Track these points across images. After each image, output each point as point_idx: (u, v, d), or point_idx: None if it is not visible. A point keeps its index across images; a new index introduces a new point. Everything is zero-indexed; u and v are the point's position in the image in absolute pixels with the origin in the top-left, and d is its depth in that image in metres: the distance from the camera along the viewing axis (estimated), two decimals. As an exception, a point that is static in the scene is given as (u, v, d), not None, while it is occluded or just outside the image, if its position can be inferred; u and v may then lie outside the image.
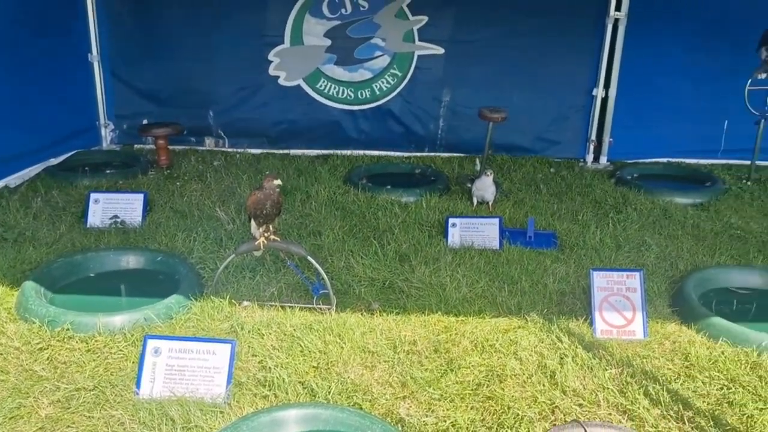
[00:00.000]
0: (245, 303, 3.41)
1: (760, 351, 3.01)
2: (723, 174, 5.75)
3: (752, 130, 5.47)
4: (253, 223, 3.40)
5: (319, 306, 3.40)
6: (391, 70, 5.98)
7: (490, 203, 4.80)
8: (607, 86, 5.87)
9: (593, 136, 6.06)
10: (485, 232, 4.21)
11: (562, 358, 2.97)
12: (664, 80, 5.91)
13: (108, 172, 5.45)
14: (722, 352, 3.03)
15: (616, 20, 5.61)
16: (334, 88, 6.07)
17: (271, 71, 6.02)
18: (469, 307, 3.43)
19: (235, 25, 5.86)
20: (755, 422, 2.59)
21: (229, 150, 6.17)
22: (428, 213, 4.64)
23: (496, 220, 4.25)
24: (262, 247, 3.38)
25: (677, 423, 2.58)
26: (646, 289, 3.45)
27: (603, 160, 6.10)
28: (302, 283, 3.57)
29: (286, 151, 6.16)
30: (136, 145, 6.25)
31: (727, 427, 2.57)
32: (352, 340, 3.07)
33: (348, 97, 6.10)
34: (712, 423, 2.58)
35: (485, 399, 2.69)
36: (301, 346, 3.02)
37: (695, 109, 5.97)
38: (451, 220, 4.27)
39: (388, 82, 6.02)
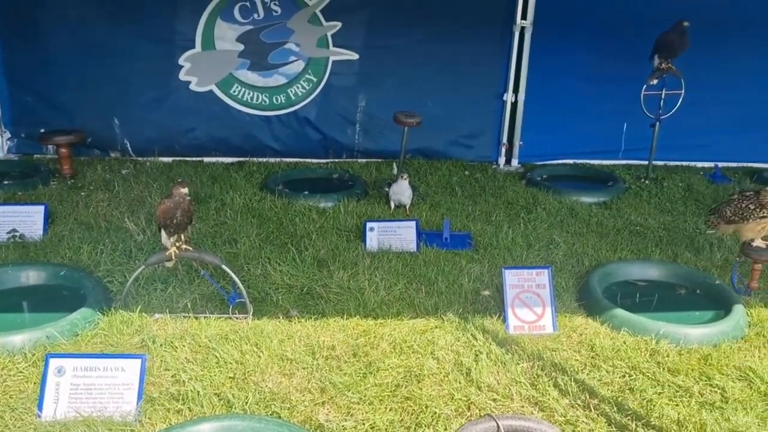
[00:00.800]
0: (157, 316, 3.29)
1: (658, 339, 3.21)
2: (623, 174, 6.09)
3: (649, 133, 5.84)
4: (163, 233, 3.29)
5: (235, 315, 3.33)
6: (306, 76, 5.96)
7: (407, 206, 4.87)
8: (516, 91, 6.10)
9: (505, 140, 6.27)
10: (403, 235, 4.26)
11: (477, 356, 3.06)
12: (568, 85, 6.20)
13: (5, 183, 5.12)
14: (624, 342, 3.21)
15: (523, 28, 5.84)
16: (249, 94, 5.97)
17: (182, 76, 5.84)
18: (388, 310, 3.47)
19: (143, 28, 5.65)
20: (654, 406, 2.76)
21: (138, 158, 5.93)
22: (346, 218, 4.66)
23: (413, 223, 4.32)
24: (173, 257, 3.27)
25: (584, 411, 2.71)
26: (555, 284, 3.61)
27: (514, 162, 6.32)
28: (217, 293, 3.49)
29: (199, 159, 5.99)
30: (36, 155, 5.90)
31: (629, 412, 2.72)
32: (270, 349, 3.03)
33: (263, 103, 6.02)
34: (615, 409, 2.73)
35: (403, 399, 2.72)
36: (216, 357, 2.95)
37: (598, 112, 6.29)
38: (369, 225, 4.30)
39: (303, 88, 5.99)
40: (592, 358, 3.10)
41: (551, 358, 3.07)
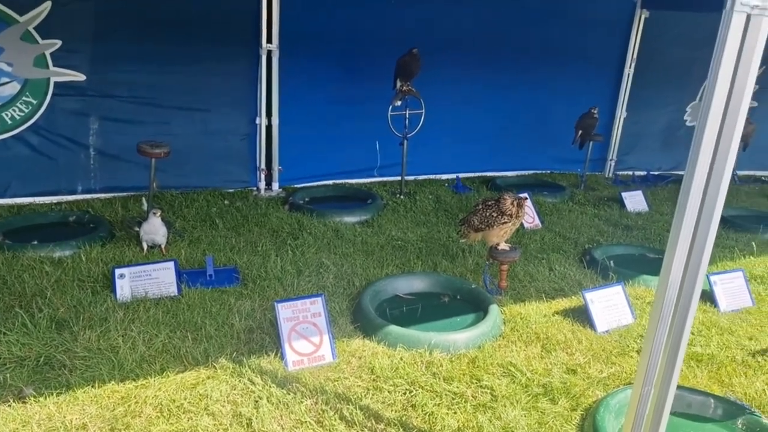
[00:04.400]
0: None
1: (431, 349, 3.31)
2: (380, 191, 6.36)
3: (399, 150, 6.18)
4: None
5: (-57, 410, 2.61)
6: (24, 98, 5.09)
7: (163, 246, 4.41)
8: (270, 115, 5.99)
9: (263, 165, 6.11)
10: (160, 279, 3.82)
11: (257, 402, 2.82)
12: (321, 107, 6.29)
13: None
14: (401, 358, 3.24)
15: (270, 51, 5.76)
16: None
17: None
18: (150, 368, 3.04)
19: None
20: (436, 418, 2.81)
21: None
22: (89, 267, 4.04)
23: (171, 264, 3.90)
24: None
25: (373, 439, 2.64)
26: (330, 310, 3.53)
27: (275, 186, 6.20)
28: None
29: None
30: None
31: (414, 430, 2.73)
32: (-3, 445, 2.42)
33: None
34: (401, 429, 2.71)
35: (177, 472, 2.37)
36: None
37: (352, 132, 6.49)
38: (118, 271, 3.77)
39: (21, 111, 5.10)
40: (374, 380, 3.07)
41: (334, 389, 2.96)
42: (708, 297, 4.16)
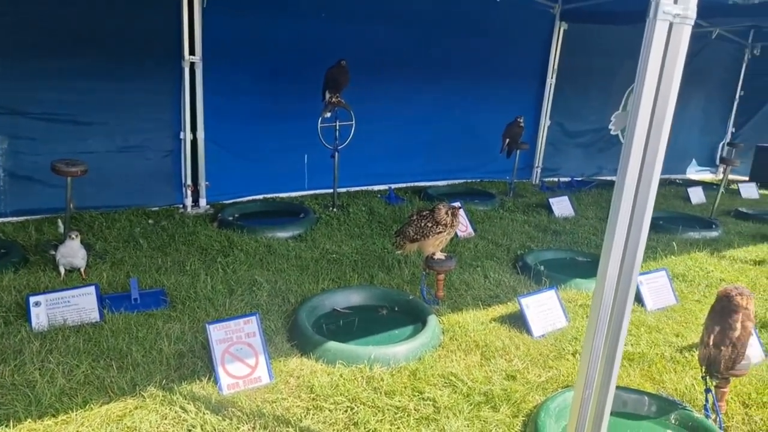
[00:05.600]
0: None
1: (371, 364, 3.24)
2: (312, 204, 6.26)
3: (330, 163, 6.10)
4: None
5: None
6: None
7: (82, 270, 4.15)
8: (195, 129, 5.79)
9: (189, 181, 5.89)
10: (80, 305, 3.58)
11: (190, 430, 2.66)
12: (249, 121, 6.15)
13: None
14: (341, 375, 3.16)
15: (193, 63, 5.57)
16: None
17: None
18: (71, 401, 2.82)
19: None
20: (379, 435, 2.74)
21: None
22: (1, 295, 3.74)
23: (92, 288, 3.66)
24: None
25: (315, 462, 2.54)
26: (265, 329, 3.41)
27: (203, 203, 5.99)
28: None
29: None
30: None
31: (358, 449, 2.65)
32: None
33: None
34: (344, 449, 2.63)
35: None
36: None
37: (281, 146, 6.38)
38: (32, 299, 3.50)
39: None
40: (314, 399, 2.97)
41: (272, 412, 2.84)
42: (636, 297, 4.30)
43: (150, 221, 5.40)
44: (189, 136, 5.78)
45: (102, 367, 3.10)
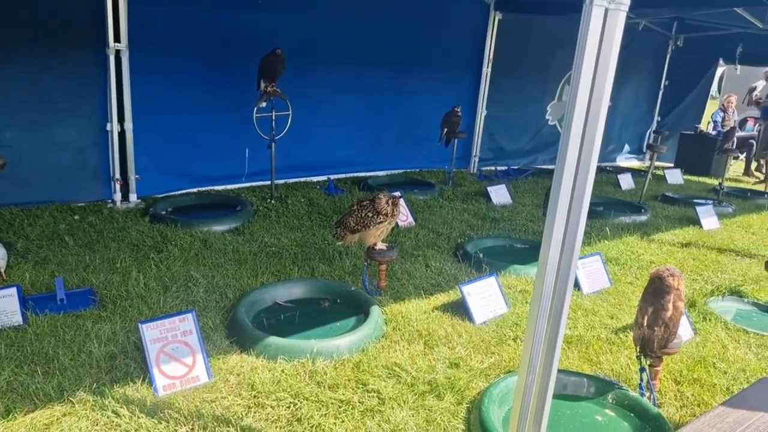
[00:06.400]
0: None
1: (314, 358, 3.18)
2: (250, 197, 6.11)
3: (267, 154, 5.96)
4: None
5: None
6: None
7: (2, 270, 3.89)
8: (122, 120, 5.52)
9: (117, 174, 5.62)
10: (1, 308, 3.35)
11: (124, 436, 2.53)
12: (182, 111, 5.92)
13: None
14: (283, 370, 3.08)
15: (118, 51, 5.30)
16: None
17: None
18: (-9, 411, 2.63)
19: None
20: (323, 429, 2.69)
21: None
22: None
23: (14, 290, 3.42)
24: None
25: (258, 461, 2.47)
26: (202, 326, 3.29)
27: (133, 198, 5.73)
28: None
29: None
30: None
31: (302, 445, 2.59)
32: None
33: None
34: (288, 446, 2.56)
35: None
36: None
37: (218, 137, 6.18)
38: (-55, 303, 3.26)
39: None
40: (255, 397, 2.88)
41: (212, 411, 2.74)
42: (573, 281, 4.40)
43: (76, 217, 5.13)
44: (117, 128, 5.50)
45: (26, 373, 2.91)
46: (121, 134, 5.55)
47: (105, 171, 5.61)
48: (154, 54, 5.55)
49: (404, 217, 5.65)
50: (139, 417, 2.64)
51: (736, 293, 4.70)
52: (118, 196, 5.65)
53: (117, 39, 5.27)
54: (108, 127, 5.48)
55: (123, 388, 2.85)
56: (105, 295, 3.76)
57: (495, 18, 8.04)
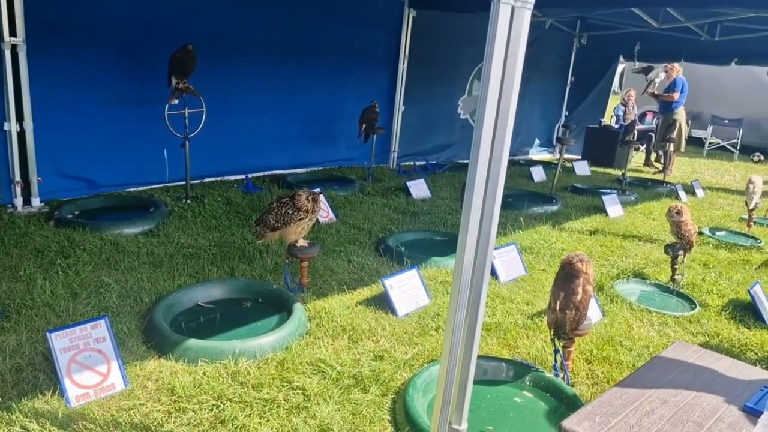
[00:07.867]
0: None
1: (236, 358, 3.12)
2: (164, 197, 5.90)
3: (182, 152, 5.77)
4: None
5: None
6: None
7: None
8: (21, 120, 5.18)
9: (18, 177, 5.28)
10: None
11: (33, 452, 2.40)
12: (89, 110, 5.64)
13: None
14: (204, 373, 3.01)
15: (15, 45, 4.98)
16: None
17: None
18: None
19: None
20: (248, 429, 2.65)
21: None
22: None
23: None
24: None
25: (180, 467, 2.40)
26: (116, 332, 3.16)
27: (36, 202, 5.40)
28: None
29: None
30: None
31: (227, 447, 2.54)
32: None
33: None
34: (212, 450, 2.51)
35: None
36: None
37: (129, 136, 5.93)
38: None
39: None
40: (175, 402, 2.80)
41: (130, 420, 2.64)
42: (490, 270, 4.54)
43: (-28, 224, 4.79)
44: (15, 128, 5.16)
45: None
46: (21, 134, 5.21)
47: (4, 174, 5.25)
48: (57, 49, 5.25)
49: (325, 213, 5.64)
50: (50, 430, 2.51)
51: (640, 276, 5.02)
52: (19, 201, 5.30)
53: (13, 33, 4.94)
54: (6, 127, 5.13)
55: (32, 401, 2.70)
56: (8, 305, 3.53)
57: (409, 15, 8.15)
